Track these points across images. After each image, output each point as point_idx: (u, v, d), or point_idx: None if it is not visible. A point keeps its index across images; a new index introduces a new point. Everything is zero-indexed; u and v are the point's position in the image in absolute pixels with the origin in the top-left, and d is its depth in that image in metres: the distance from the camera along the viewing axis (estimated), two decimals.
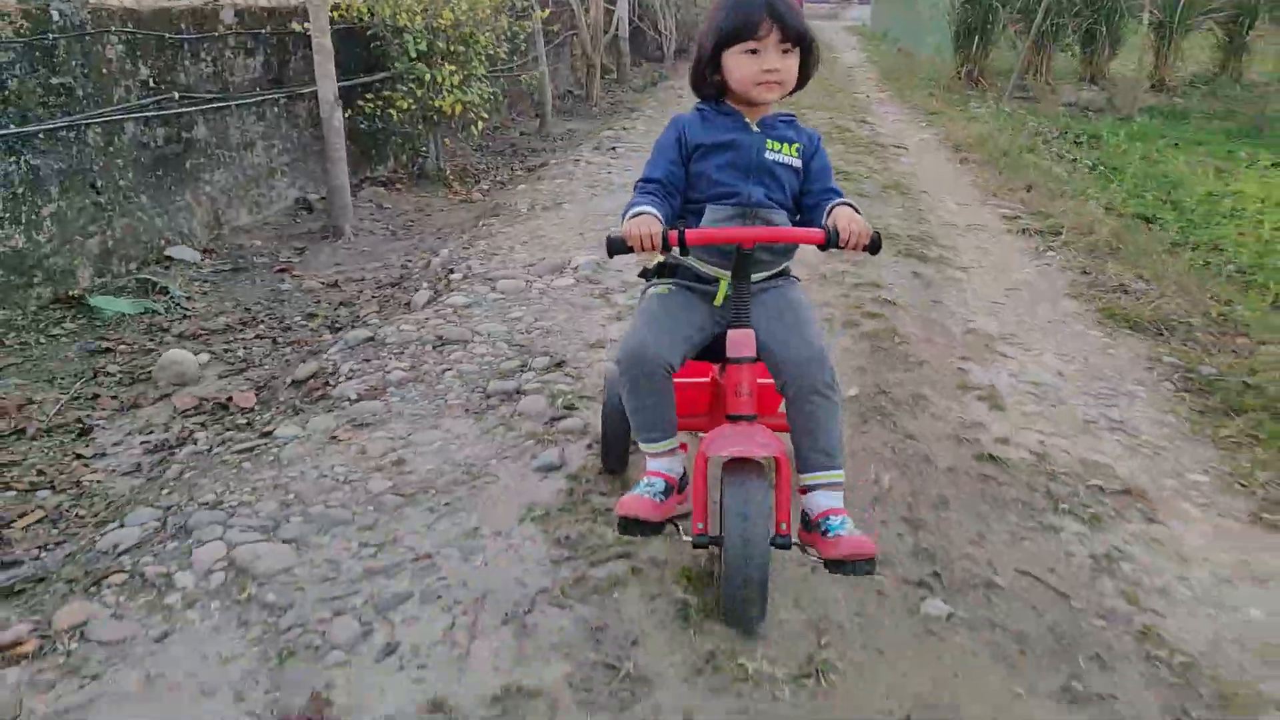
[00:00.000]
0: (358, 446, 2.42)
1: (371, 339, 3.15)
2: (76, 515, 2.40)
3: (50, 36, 3.92)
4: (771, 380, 1.82)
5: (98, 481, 2.56)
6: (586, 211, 4.93)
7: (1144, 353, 3.11)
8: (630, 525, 1.75)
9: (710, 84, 1.87)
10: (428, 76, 5.98)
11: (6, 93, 3.63)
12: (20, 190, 3.77)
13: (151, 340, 3.66)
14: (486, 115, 6.54)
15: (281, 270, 4.58)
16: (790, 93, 1.85)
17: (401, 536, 2.01)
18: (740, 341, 1.75)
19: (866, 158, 6.33)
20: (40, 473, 2.63)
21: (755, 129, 1.85)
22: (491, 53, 6.48)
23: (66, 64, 4.02)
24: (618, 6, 10.50)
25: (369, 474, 2.28)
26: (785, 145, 1.87)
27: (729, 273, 1.80)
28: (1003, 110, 8.65)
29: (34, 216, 3.83)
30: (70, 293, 3.97)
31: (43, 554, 2.20)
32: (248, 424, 2.77)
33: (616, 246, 1.72)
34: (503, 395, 2.68)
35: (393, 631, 1.73)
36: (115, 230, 4.26)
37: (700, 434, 2.03)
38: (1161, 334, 3.27)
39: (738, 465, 1.70)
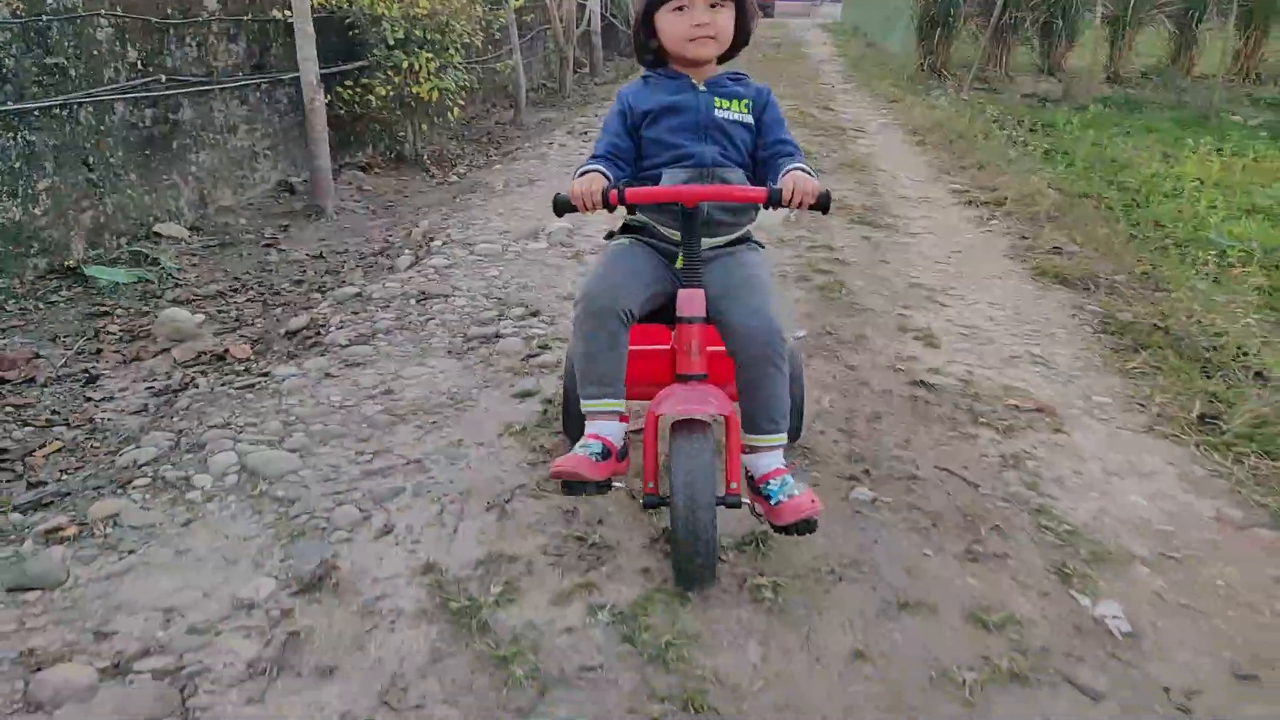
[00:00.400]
0: (350, 380, 2.68)
1: (359, 295, 3.41)
2: (91, 446, 2.63)
3: (44, 18, 4.12)
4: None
5: (108, 419, 2.79)
6: (560, 188, 5.21)
7: (1069, 303, 3.43)
8: (570, 485, 1.76)
9: (649, 50, 1.90)
10: (405, 64, 6.20)
11: (4, 71, 3.83)
12: (17, 165, 3.96)
13: (146, 305, 3.88)
14: (463, 102, 6.79)
15: (268, 245, 4.81)
16: (732, 51, 1.89)
17: (394, 447, 2.28)
18: (690, 300, 1.74)
19: (828, 140, 6.67)
20: (54, 413, 2.85)
21: (702, 89, 1.87)
22: (468, 41, 6.73)
23: (60, 45, 4.21)
24: (590, 1, 10.78)
25: (362, 401, 2.54)
26: (734, 102, 1.87)
27: None
28: (963, 100, 9.02)
29: (30, 190, 4.03)
30: (65, 264, 4.17)
31: (64, 476, 2.44)
32: (245, 370, 3.02)
33: (562, 206, 1.77)
34: (482, 339, 2.95)
35: (389, 517, 1.99)
36: (107, 206, 4.46)
37: None
38: (1088, 288, 3.59)
39: (686, 425, 1.71)
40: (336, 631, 1.63)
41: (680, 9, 1.80)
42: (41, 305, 3.82)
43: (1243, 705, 1.51)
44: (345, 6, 6.08)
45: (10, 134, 3.88)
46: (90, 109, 4.33)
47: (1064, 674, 1.55)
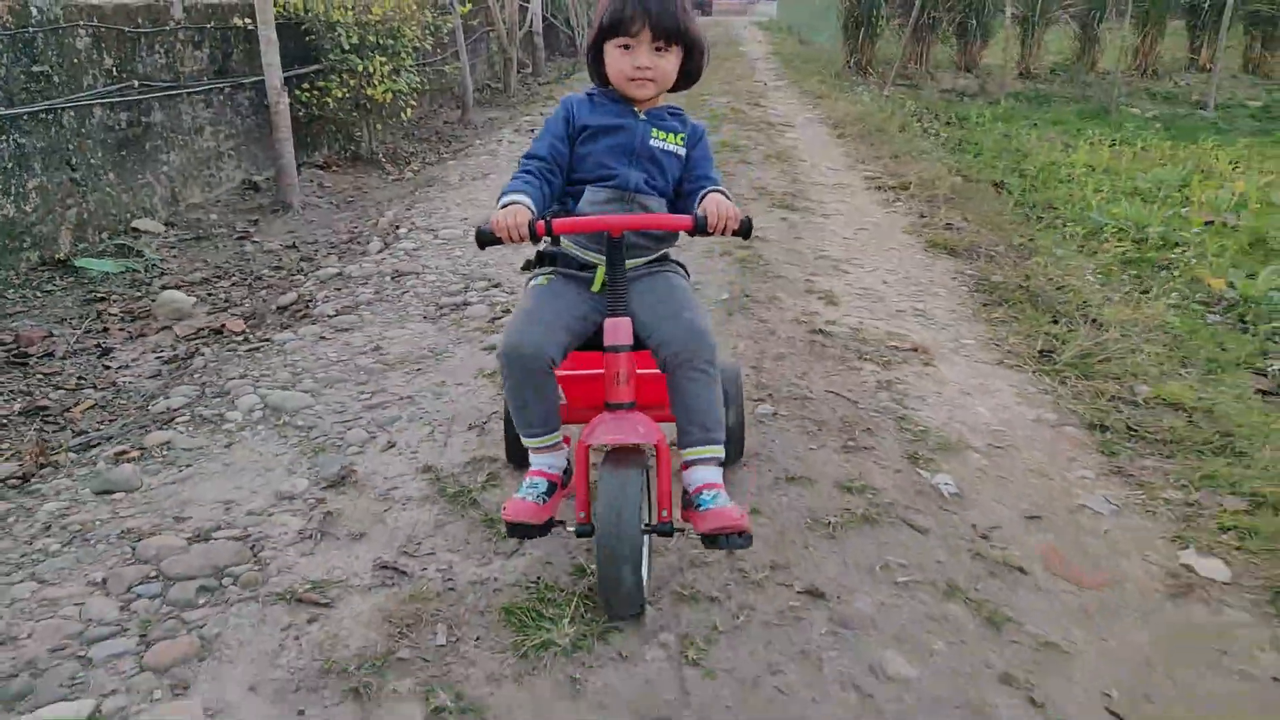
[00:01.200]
0: (342, 341, 3.20)
1: (339, 274, 3.92)
2: (119, 403, 3.11)
3: (30, 29, 4.53)
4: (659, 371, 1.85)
5: (128, 382, 3.27)
6: (509, 169, 5.76)
7: (952, 269, 4.08)
8: (515, 530, 1.80)
9: (598, 72, 1.95)
10: (360, 67, 6.67)
11: (4, 81, 4.25)
12: (9, 166, 4.37)
13: (139, 292, 4.32)
14: (415, 103, 7.28)
15: (241, 237, 5.26)
16: (674, 89, 1.94)
17: (388, 388, 2.81)
18: (616, 329, 1.76)
19: (756, 134, 7.31)
20: (80, 378, 3.32)
21: (642, 117, 1.92)
22: (418, 45, 7.22)
23: (44, 54, 4.62)
24: (532, 4, 11.31)
25: (355, 356, 3.07)
26: (670, 135, 1.93)
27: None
28: (885, 95, 9.75)
29: (21, 189, 4.43)
30: (55, 257, 4.59)
31: (102, 426, 2.92)
32: (244, 339, 3.51)
33: (485, 238, 1.74)
34: (452, 306, 3.49)
35: (391, 436, 2.53)
36: (90, 203, 4.87)
37: None
38: (971, 257, 4.25)
39: (615, 454, 1.74)
40: (361, 511, 2.17)
41: (626, 48, 1.86)
42: (39, 294, 4.24)
43: (1025, 535, 2.13)
44: (302, 13, 6.53)
45: (2, 137, 4.29)
46: (72, 113, 4.74)
47: (903, 519, 2.16)
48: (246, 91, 6.34)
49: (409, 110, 7.27)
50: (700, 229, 1.76)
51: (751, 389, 2.83)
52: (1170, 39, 11.31)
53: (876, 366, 3.01)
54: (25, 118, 4.45)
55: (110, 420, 2.96)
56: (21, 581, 1.89)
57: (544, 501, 1.85)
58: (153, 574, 1.91)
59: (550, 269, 1.96)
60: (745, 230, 1.78)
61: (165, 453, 2.44)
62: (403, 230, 4.57)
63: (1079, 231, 5.00)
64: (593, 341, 1.87)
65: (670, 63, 1.88)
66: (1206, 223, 5.40)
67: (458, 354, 3.07)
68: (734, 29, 22.89)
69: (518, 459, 2.29)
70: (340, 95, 6.67)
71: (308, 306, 3.63)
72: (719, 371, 1.84)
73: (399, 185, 6.53)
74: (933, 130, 8.08)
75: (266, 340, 3.32)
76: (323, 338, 3.26)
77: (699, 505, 1.78)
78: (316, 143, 7.18)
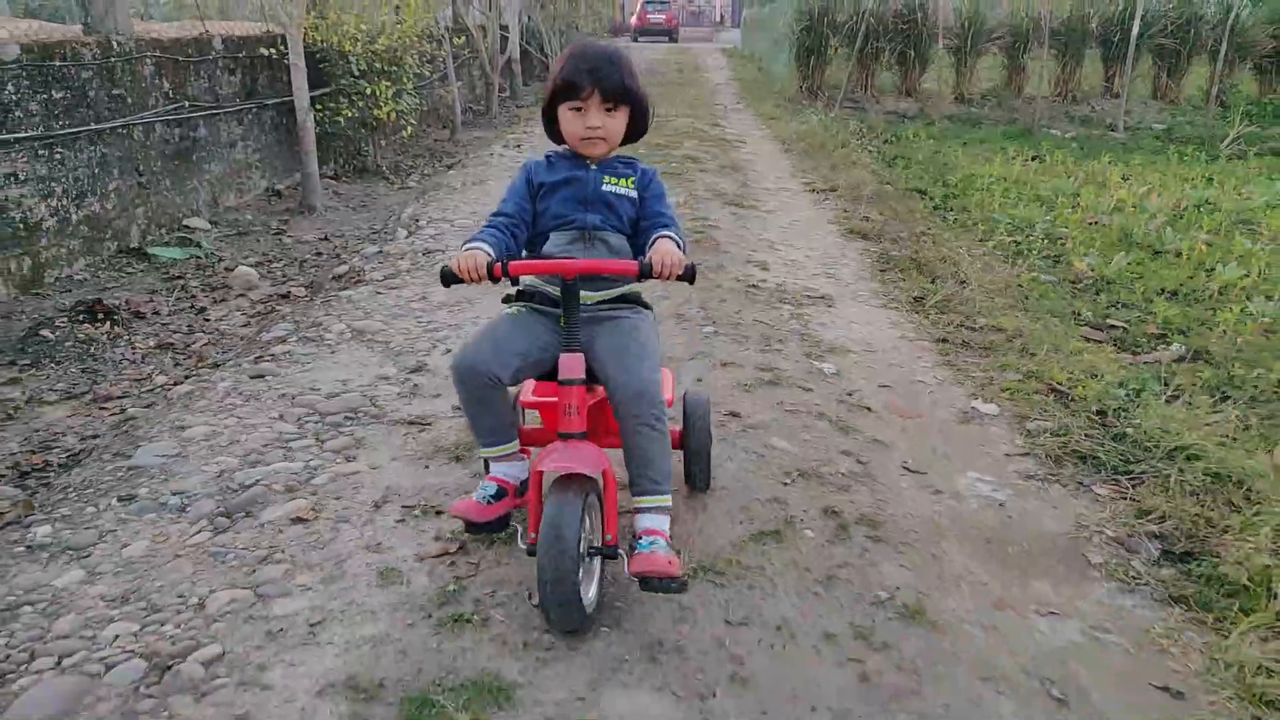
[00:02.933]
0: (394, 295, 4.35)
1: (380, 252, 5.07)
2: (229, 340, 4.22)
3: (111, 59, 5.65)
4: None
5: (229, 329, 4.38)
6: (504, 178, 6.98)
7: (862, 249, 5.32)
8: (467, 526, 2.10)
9: (553, 132, 2.16)
10: (368, 90, 7.84)
11: (89, 100, 5.35)
12: (96, 171, 5.46)
13: (205, 273, 5.41)
14: (414, 122, 8.46)
15: (277, 233, 6.37)
16: (623, 144, 2.16)
17: (438, 320, 3.96)
18: (569, 364, 1.94)
19: (714, 149, 8.59)
20: (188, 329, 4.42)
21: (594, 168, 2.13)
22: (417, 71, 8.40)
23: (121, 79, 5.73)
24: (510, 33, 12.56)
25: (408, 303, 4.21)
26: (622, 180, 2.14)
27: None
28: (831, 117, 11.09)
29: (104, 191, 5.52)
30: (129, 246, 5.68)
31: (224, 354, 4.03)
32: (311, 300, 4.64)
33: (448, 277, 1.95)
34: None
35: (446, 346, 3.68)
36: (152, 204, 5.97)
37: None
38: (878, 240, 5.49)
39: (563, 480, 1.90)
40: (435, 384, 3.31)
41: (578, 109, 2.07)
42: (124, 274, 5.32)
43: (876, 394, 3.32)
44: (318, 43, 7.68)
45: (93, 148, 5.39)
46: (140, 129, 5.85)
47: (797, 384, 3.34)
48: (270, 111, 7.48)
49: (409, 129, 8.44)
50: (646, 274, 1.94)
51: (699, 319, 4.01)
52: (1089, 67, 12.82)
53: (792, 307, 4.22)
54: (108, 132, 5.55)
55: (227, 350, 4.07)
56: (228, 416, 3.02)
57: (490, 504, 2.09)
58: (310, 413, 3.04)
59: (524, 303, 2.17)
60: (689, 276, 1.96)
61: (288, 356, 3.57)
62: (422, 222, 5.74)
63: (980, 228, 6.27)
64: (552, 374, 2.03)
65: (619, 122, 2.11)
66: (1091, 223, 6.70)
67: (486, 300, 4.22)
68: (699, 56, 24.41)
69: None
70: (350, 115, 7.81)
71: (359, 275, 4.77)
72: (667, 424, 2.02)
73: (404, 193, 7.68)
74: (871, 147, 9.40)
75: (334, 297, 4.46)
76: (378, 293, 4.40)
77: (635, 548, 1.97)
78: (327, 156, 8.30)
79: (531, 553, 1.92)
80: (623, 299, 2.16)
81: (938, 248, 5.29)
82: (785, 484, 2.62)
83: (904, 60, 12.59)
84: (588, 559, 1.94)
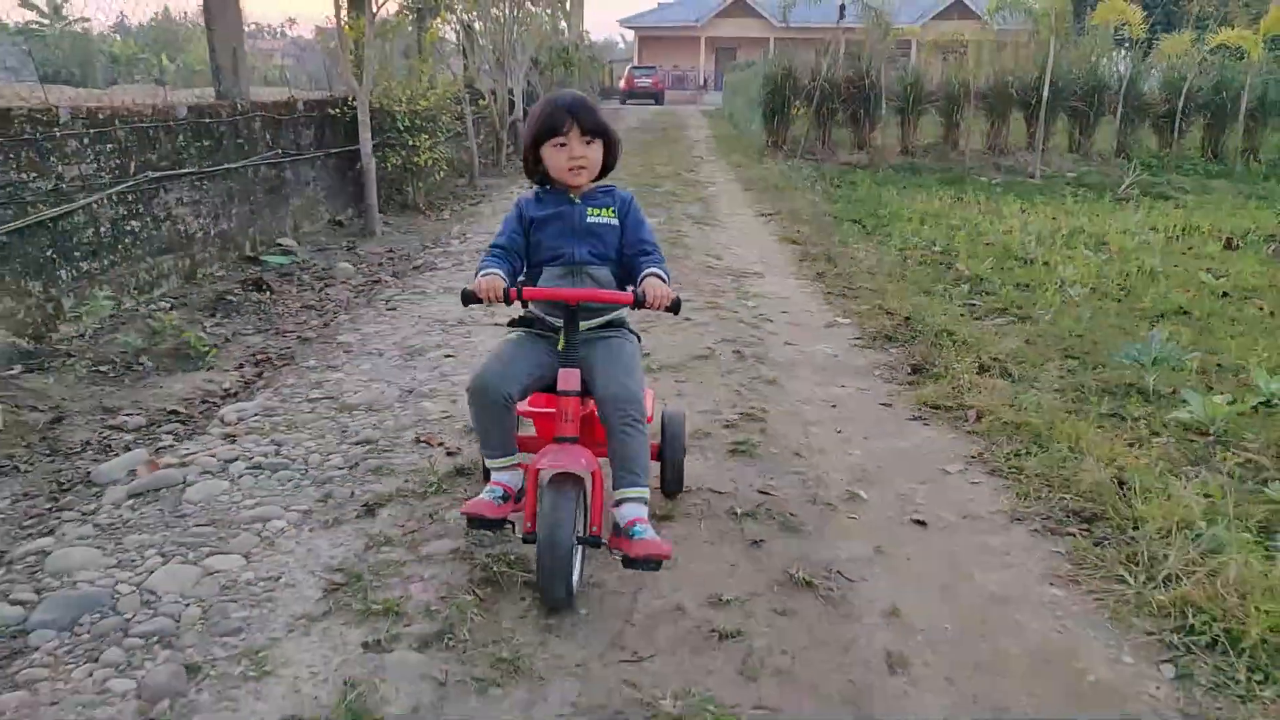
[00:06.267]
0: (461, 274, 6.58)
1: (445, 251, 7.33)
2: (351, 302, 6.42)
3: (237, 117, 7.96)
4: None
5: (344, 297, 6.59)
6: None
7: (791, 250, 7.61)
8: (474, 522, 2.36)
9: (537, 171, 2.53)
10: (410, 142, 10.17)
11: (224, 146, 7.60)
12: (225, 199, 7.70)
13: (307, 273, 7.64)
14: (446, 168, 10.79)
15: (349, 249, 8.62)
16: (601, 175, 2.56)
17: None
18: (567, 377, 2.32)
19: (688, 189, 11.01)
20: (318, 298, 6.63)
21: (578, 201, 2.50)
22: (449, 127, 10.77)
23: (242, 132, 8.02)
24: (515, 96, 15.02)
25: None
26: (603, 210, 2.52)
27: None
28: (790, 165, 13.55)
29: (230, 213, 7.75)
30: (246, 255, 7.91)
31: (352, 309, 6.23)
32: (401, 280, 6.85)
33: (468, 298, 2.32)
34: None
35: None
36: (259, 225, 8.20)
37: None
38: (804, 245, 7.79)
39: (558, 478, 2.24)
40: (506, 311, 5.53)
41: (561, 145, 2.44)
42: (244, 273, 7.54)
43: (778, 318, 5.55)
44: (372, 106, 10.01)
45: (225, 182, 7.65)
46: (252, 169, 8.12)
47: (728, 309, 5.57)
48: (333, 158, 9.77)
49: (441, 173, 10.76)
50: (639, 304, 2.33)
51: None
52: (1014, 125, 15.39)
53: (734, 278, 6.48)
54: (234, 171, 7.81)
55: (349, 310, 6.27)
56: (385, 325, 5.22)
57: (500, 504, 2.40)
58: (433, 322, 5.25)
59: (525, 329, 2.53)
60: (675, 308, 2.34)
61: (406, 301, 5.79)
62: (468, 235, 8.02)
63: (892, 243, 8.57)
64: (553, 387, 2.36)
65: (597, 152, 2.48)
66: (987, 243, 8.98)
67: None
68: (682, 116, 27.24)
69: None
70: (395, 161, 10.11)
71: (433, 267, 7.02)
72: (647, 428, 2.35)
73: (439, 223, 9.97)
74: (819, 188, 11.79)
75: (418, 278, 6.69)
76: (452, 273, 6.64)
77: (631, 535, 2.28)
78: (376, 194, 10.59)
79: (527, 540, 2.31)
80: (611, 324, 2.56)
81: (846, 249, 7.60)
82: (713, 345, 4.85)
83: (856, 119, 15.13)
84: (576, 547, 2.28)
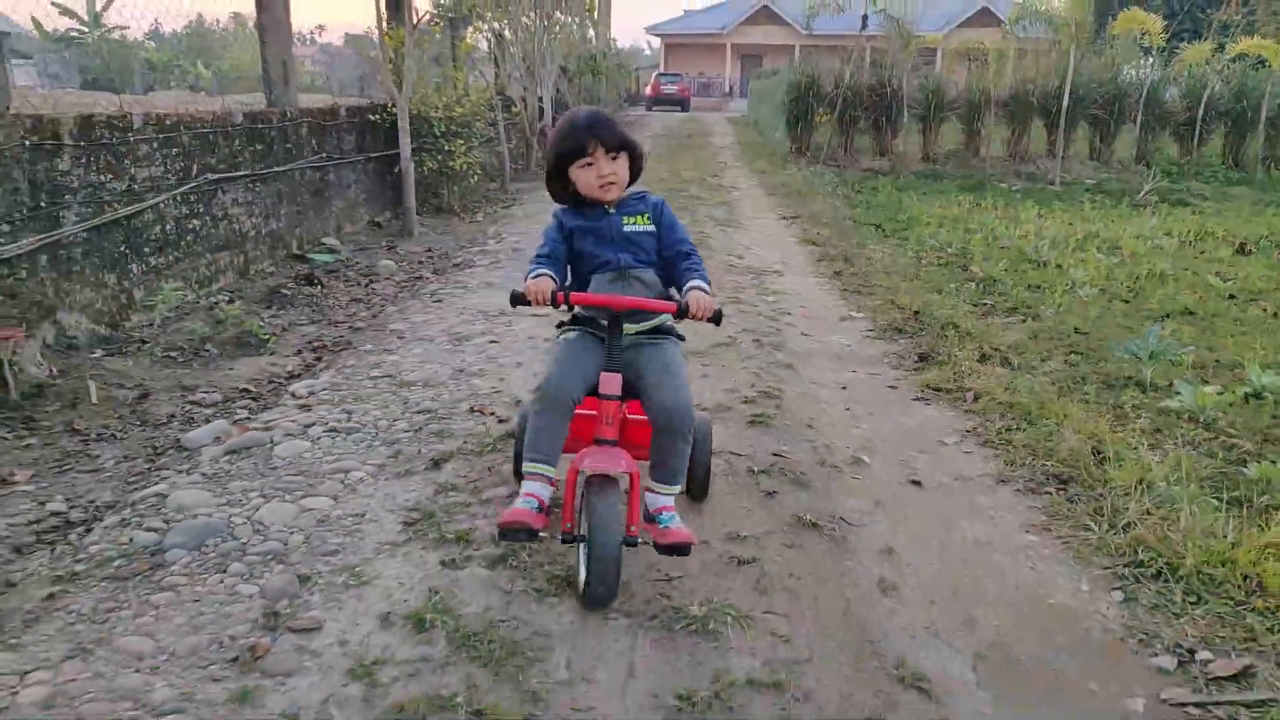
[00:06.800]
0: (500, 271, 7.07)
1: (481, 250, 7.83)
2: (397, 295, 6.93)
3: (285, 123, 8.50)
4: (645, 416, 2.49)
5: (388, 291, 7.10)
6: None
7: (811, 251, 8.05)
8: (509, 532, 2.37)
9: (566, 193, 2.63)
10: (446, 147, 10.70)
11: (275, 151, 8.14)
12: (275, 200, 8.24)
13: (351, 270, 8.16)
14: (480, 172, 11.32)
15: (389, 248, 9.14)
16: (630, 184, 2.64)
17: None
18: (609, 382, 2.41)
19: (713, 193, 11.47)
20: (365, 292, 7.15)
21: (613, 211, 2.61)
22: (483, 132, 11.29)
23: (290, 137, 8.56)
24: (544, 103, 15.55)
25: (510, 273, 6.93)
26: (638, 217, 2.63)
27: None
28: (813, 171, 13.98)
29: (279, 213, 8.28)
30: (293, 253, 8.45)
31: (399, 299, 6.73)
32: (443, 275, 7.34)
33: (518, 299, 2.44)
34: None
35: None
36: (304, 226, 8.73)
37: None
38: (823, 247, 8.23)
39: (599, 479, 2.34)
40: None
41: (588, 164, 2.55)
42: (292, 269, 8.07)
43: (796, 310, 6.00)
44: (410, 112, 10.55)
45: (275, 184, 8.19)
46: (298, 172, 8.66)
47: (749, 303, 6.02)
48: (373, 162, 10.30)
49: (474, 177, 11.28)
50: (683, 315, 2.44)
51: None
52: (1036, 133, 15.74)
53: (755, 275, 6.93)
54: (284, 174, 8.35)
55: (396, 302, 6.78)
56: (430, 314, 5.72)
57: (538, 513, 2.44)
58: (476, 312, 5.73)
59: (577, 328, 2.65)
60: (717, 319, 2.46)
61: (449, 294, 6.28)
62: (504, 235, 8.52)
63: (910, 246, 8.99)
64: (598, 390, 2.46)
65: (623, 166, 2.59)
66: (1002, 247, 9.37)
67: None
68: (707, 123, 27.71)
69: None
70: (432, 165, 10.64)
71: (471, 264, 7.51)
72: (694, 434, 2.50)
73: (474, 225, 10.49)
74: (840, 193, 12.22)
75: (458, 274, 7.19)
76: (489, 270, 7.14)
77: (660, 523, 2.46)
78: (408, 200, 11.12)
79: (566, 540, 2.43)
80: (657, 330, 2.65)
81: (864, 250, 8.03)
82: (734, 334, 5.30)
83: (878, 126, 15.54)
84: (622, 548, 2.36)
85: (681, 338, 2.74)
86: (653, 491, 2.55)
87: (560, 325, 2.74)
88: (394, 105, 9.38)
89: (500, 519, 2.43)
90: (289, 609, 2.45)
